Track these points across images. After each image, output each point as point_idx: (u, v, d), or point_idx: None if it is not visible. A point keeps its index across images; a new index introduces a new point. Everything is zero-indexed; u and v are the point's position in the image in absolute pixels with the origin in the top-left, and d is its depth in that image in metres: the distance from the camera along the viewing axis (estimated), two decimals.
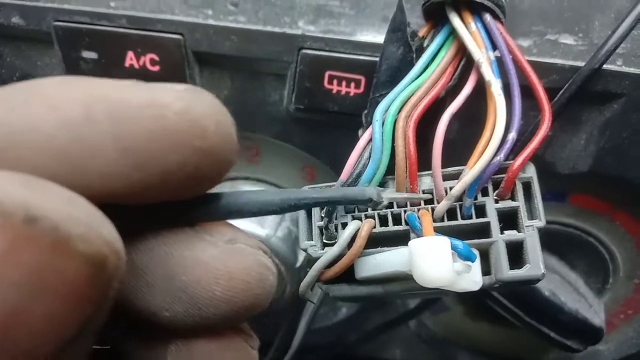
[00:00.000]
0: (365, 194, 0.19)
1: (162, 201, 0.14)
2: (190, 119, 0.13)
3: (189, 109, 0.13)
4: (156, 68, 0.30)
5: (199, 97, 0.13)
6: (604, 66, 0.27)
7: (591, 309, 0.36)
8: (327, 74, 0.30)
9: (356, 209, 0.25)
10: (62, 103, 0.12)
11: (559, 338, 0.36)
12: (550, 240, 0.36)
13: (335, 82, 0.30)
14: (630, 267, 0.38)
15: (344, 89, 0.30)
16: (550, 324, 0.36)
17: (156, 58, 0.30)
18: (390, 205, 0.24)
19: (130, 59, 0.30)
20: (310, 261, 0.25)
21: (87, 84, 0.13)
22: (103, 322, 0.12)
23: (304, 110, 0.31)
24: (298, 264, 0.37)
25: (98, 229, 0.11)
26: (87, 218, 0.11)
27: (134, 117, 0.12)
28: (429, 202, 0.24)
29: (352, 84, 0.30)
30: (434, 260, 0.20)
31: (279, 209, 0.16)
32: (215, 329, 0.15)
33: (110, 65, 0.30)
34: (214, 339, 0.15)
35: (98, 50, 0.30)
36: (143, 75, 0.30)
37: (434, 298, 0.42)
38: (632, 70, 0.28)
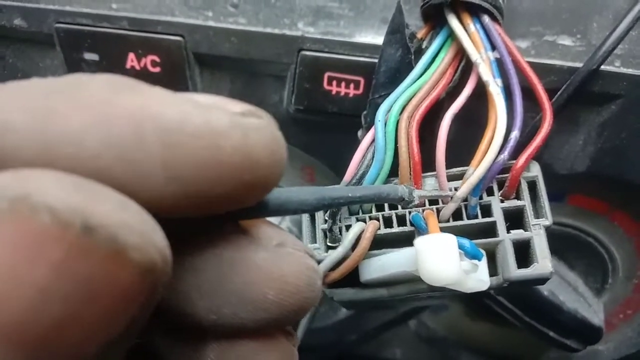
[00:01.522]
0: (398, 192, 0.19)
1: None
2: (245, 152, 0.12)
3: (244, 140, 0.12)
4: (157, 69, 0.30)
5: (256, 123, 0.12)
6: (602, 67, 0.27)
7: (590, 308, 0.36)
8: (326, 75, 0.30)
9: (360, 211, 0.25)
10: (111, 116, 0.11)
11: (558, 337, 0.36)
12: (549, 241, 0.36)
13: (334, 83, 0.30)
14: (629, 267, 0.38)
15: (343, 90, 0.30)
16: (549, 324, 0.36)
17: (157, 59, 0.30)
18: (393, 206, 0.25)
19: (131, 60, 0.30)
20: None
21: (139, 94, 0.12)
22: (145, 323, 0.12)
23: (303, 111, 0.31)
24: None
25: (150, 237, 0.10)
26: (140, 225, 0.10)
27: (188, 144, 0.11)
28: (433, 202, 0.24)
29: (352, 85, 0.30)
30: (441, 258, 0.20)
31: (314, 208, 0.16)
32: (261, 331, 0.15)
33: (111, 67, 0.30)
34: (259, 339, 0.15)
35: (99, 52, 0.30)
36: (144, 77, 0.30)
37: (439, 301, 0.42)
38: (629, 71, 0.28)
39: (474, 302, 0.41)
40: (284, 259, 0.14)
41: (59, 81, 0.12)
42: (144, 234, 0.10)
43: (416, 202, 0.19)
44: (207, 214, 0.13)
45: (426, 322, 0.47)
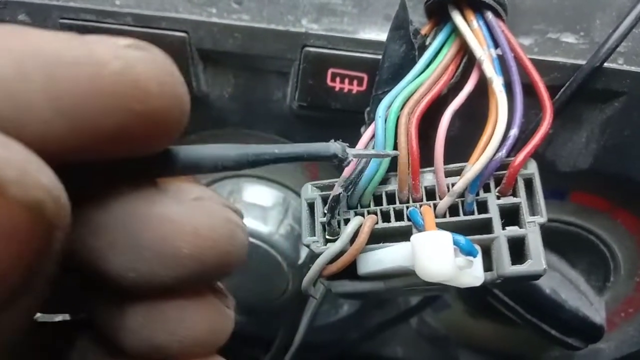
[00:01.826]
0: (330, 150, 0.18)
1: (109, 160, 0.13)
2: (129, 80, 0.12)
3: (128, 69, 0.12)
4: None
5: (142, 55, 0.12)
6: (605, 64, 0.27)
7: (592, 307, 0.36)
8: (330, 71, 0.30)
9: (359, 205, 0.25)
10: None
11: (559, 336, 0.36)
12: (551, 238, 0.36)
13: (338, 79, 0.30)
14: (631, 265, 0.38)
15: (346, 87, 0.30)
16: (551, 322, 0.36)
17: None
18: (391, 201, 0.25)
19: None
20: (312, 257, 0.25)
21: (21, 35, 0.11)
22: (50, 277, 0.12)
23: (306, 108, 0.31)
24: (300, 261, 0.37)
25: (34, 174, 0.10)
26: (23, 163, 0.10)
27: (69, 74, 0.11)
28: (430, 198, 0.25)
29: (355, 82, 0.30)
30: (436, 255, 0.20)
31: (236, 164, 0.15)
32: (186, 288, 0.15)
33: None
34: (185, 297, 0.15)
35: None
36: None
37: (435, 295, 0.42)
38: (633, 68, 0.28)
39: (476, 300, 0.41)
40: (199, 211, 0.14)
41: None
42: (27, 171, 0.10)
43: (350, 159, 0.18)
44: (112, 157, 0.13)
45: (427, 321, 0.47)
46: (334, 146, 0.18)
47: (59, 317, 0.18)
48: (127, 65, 0.12)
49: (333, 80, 0.30)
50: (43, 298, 0.12)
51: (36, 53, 0.11)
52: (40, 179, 0.10)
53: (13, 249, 0.10)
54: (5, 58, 0.11)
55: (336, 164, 0.19)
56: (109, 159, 0.13)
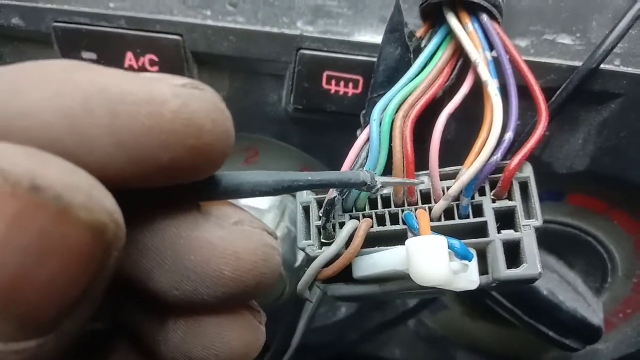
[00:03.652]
0: (360, 177, 0.19)
1: (160, 187, 0.14)
2: (185, 118, 0.13)
3: (185, 108, 0.13)
4: (155, 69, 0.30)
5: (197, 94, 0.13)
6: (602, 66, 0.27)
7: (590, 308, 0.36)
8: (325, 74, 0.30)
9: (354, 209, 0.25)
10: (64, 91, 0.12)
11: (557, 337, 0.36)
12: (549, 240, 0.36)
13: (333, 82, 0.30)
14: (629, 267, 0.38)
15: (342, 90, 0.30)
16: (549, 323, 0.36)
17: (155, 59, 0.30)
18: (387, 204, 0.25)
19: (129, 59, 0.30)
20: (308, 261, 0.25)
21: (91, 72, 0.13)
22: (103, 292, 0.13)
23: (302, 111, 0.31)
24: (297, 264, 0.37)
25: (98, 199, 0.11)
26: (89, 189, 0.11)
27: (132, 112, 0.12)
28: (426, 201, 0.24)
29: (351, 85, 0.30)
30: (431, 260, 0.20)
31: (273, 191, 0.16)
32: (224, 307, 0.16)
33: (109, 66, 0.30)
34: (223, 315, 0.16)
35: (97, 51, 0.30)
36: None
37: (433, 297, 0.42)
38: (630, 70, 0.28)
39: (474, 302, 0.41)
40: (239, 236, 0.15)
41: (28, 64, 0.13)
42: (92, 196, 0.11)
43: (379, 186, 0.19)
44: (161, 185, 0.14)
45: (426, 322, 0.47)
46: (363, 174, 0.19)
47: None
48: (184, 104, 0.13)
49: (329, 83, 0.30)
50: (95, 310, 0.13)
51: (102, 90, 0.12)
52: (105, 204, 0.11)
53: (77, 266, 0.11)
54: (74, 94, 0.12)
55: (365, 191, 0.20)
56: (159, 186, 0.14)
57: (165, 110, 0.12)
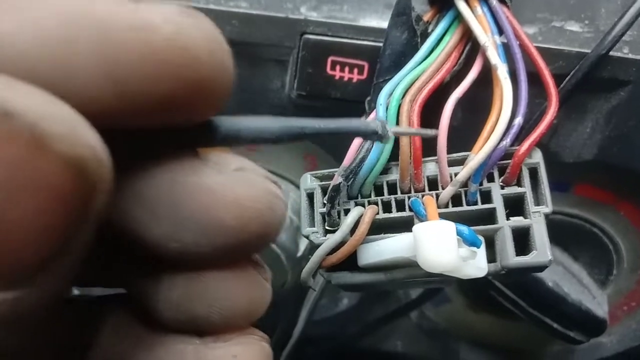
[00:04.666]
0: (370, 126, 0.18)
1: (152, 128, 0.13)
2: (180, 47, 0.11)
3: (179, 35, 0.11)
4: None
5: (192, 21, 0.12)
6: (611, 53, 0.27)
7: (594, 300, 0.36)
8: (329, 59, 0.29)
9: (359, 195, 0.25)
10: (41, 16, 0.11)
11: (561, 329, 0.36)
12: (554, 231, 0.35)
13: (337, 68, 0.29)
14: (635, 259, 0.37)
15: (346, 75, 0.29)
16: (553, 315, 0.35)
17: None
18: (393, 191, 0.24)
19: None
20: (312, 248, 0.25)
21: None
22: (88, 243, 0.11)
23: (306, 97, 0.31)
24: (299, 254, 0.37)
25: (79, 132, 0.10)
26: (67, 119, 0.10)
27: (120, 39, 0.11)
28: (433, 188, 0.24)
29: (355, 70, 0.29)
30: (439, 245, 0.20)
31: (277, 138, 0.15)
32: (226, 260, 0.15)
33: None
34: (226, 269, 0.15)
35: None
36: None
37: (436, 289, 0.41)
38: (639, 57, 0.28)
39: (477, 294, 0.41)
40: (240, 182, 0.14)
41: None
42: (70, 127, 0.10)
43: (390, 135, 0.18)
44: (153, 126, 0.13)
45: (428, 315, 0.47)
46: (374, 123, 0.18)
47: (91, 292, 0.18)
48: (178, 31, 0.11)
49: (333, 68, 0.29)
50: (78, 268, 0.12)
51: (84, 15, 0.11)
52: (87, 138, 0.10)
53: (54, 208, 0.10)
54: (52, 19, 0.11)
55: (376, 140, 0.19)
56: (152, 127, 0.13)
57: (157, 37, 0.11)
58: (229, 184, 0.14)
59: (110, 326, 0.17)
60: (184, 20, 0.12)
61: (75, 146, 0.10)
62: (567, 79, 0.27)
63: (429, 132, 0.23)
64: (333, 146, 0.34)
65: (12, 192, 0.09)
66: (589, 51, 0.27)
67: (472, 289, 0.40)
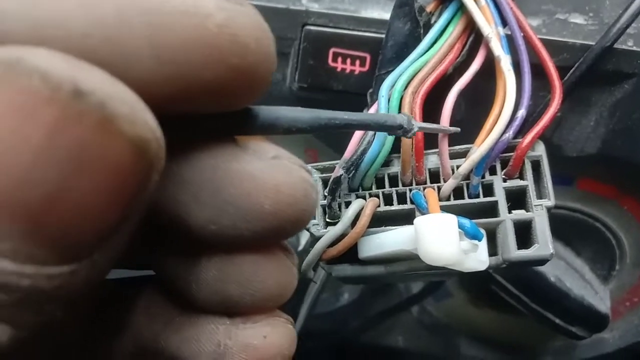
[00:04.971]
0: (397, 120, 0.18)
1: (195, 113, 0.13)
2: (231, 34, 0.12)
3: (230, 22, 0.12)
4: None
5: (242, 9, 0.12)
6: (615, 46, 0.27)
7: (597, 295, 0.36)
8: (331, 51, 0.29)
9: (360, 187, 0.24)
10: (91, 1, 0.11)
11: (563, 324, 0.36)
12: (557, 226, 0.35)
13: (339, 59, 0.29)
14: (638, 254, 0.37)
15: (348, 67, 0.29)
16: (555, 310, 0.35)
17: None
18: (394, 183, 0.24)
19: None
20: (313, 241, 0.24)
21: None
22: (138, 221, 0.12)
23: (307, 89, 0.30)
24: (300, 247, 0.37)
25: (140, 113, 0.10)
26: (131, 102, 0.10)
27: (173, 24, 0.11)
28: (435, 180, 0.24)
29: (357, 62, 0.29)
30: (441, 238, 0.20)
31: (309, 127, 0.15)
32: (261, 244, 0.15)
33: None
34: (259, 252, 0.15)
35: None
36: None
37: (437, 284, 0.41)
38: None
39: (478, 288, 0.41)
40: (279, 169, 0.14)
41: None
42: (135, 108, 0.10)
43: (415, 129, 0.19)
44: (199, 110, 0.13)
45: (429, 310, 0.47)
46: (400, 117, 0.18)
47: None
48: (229, 18, 0.12)
49: (334, 60, 0.29)
50: (128, 242, 0.12)
51: (136, 1, 0.11)
52: (146, 119, 0.10)
53: (117, 185, 0.10)
54: (109, 2, 0.11)
55: (400, 134, 0.19)
56: (195, 113, 0.13)
57: (209, 23, 0.11)
58: (268, 171, 0.14)
59: (141, 308, 0.17)
60: (234, 8, 0.12)
61: (139, 126, 0.10)
62: (571, 71, 0.27)
63: (452, 129, 0.23)
64: (334, 140, 0.34)
65: (80, 170, 0.10)
66: (593, 43, 0.27)
67: (474, 283, 0.40)
